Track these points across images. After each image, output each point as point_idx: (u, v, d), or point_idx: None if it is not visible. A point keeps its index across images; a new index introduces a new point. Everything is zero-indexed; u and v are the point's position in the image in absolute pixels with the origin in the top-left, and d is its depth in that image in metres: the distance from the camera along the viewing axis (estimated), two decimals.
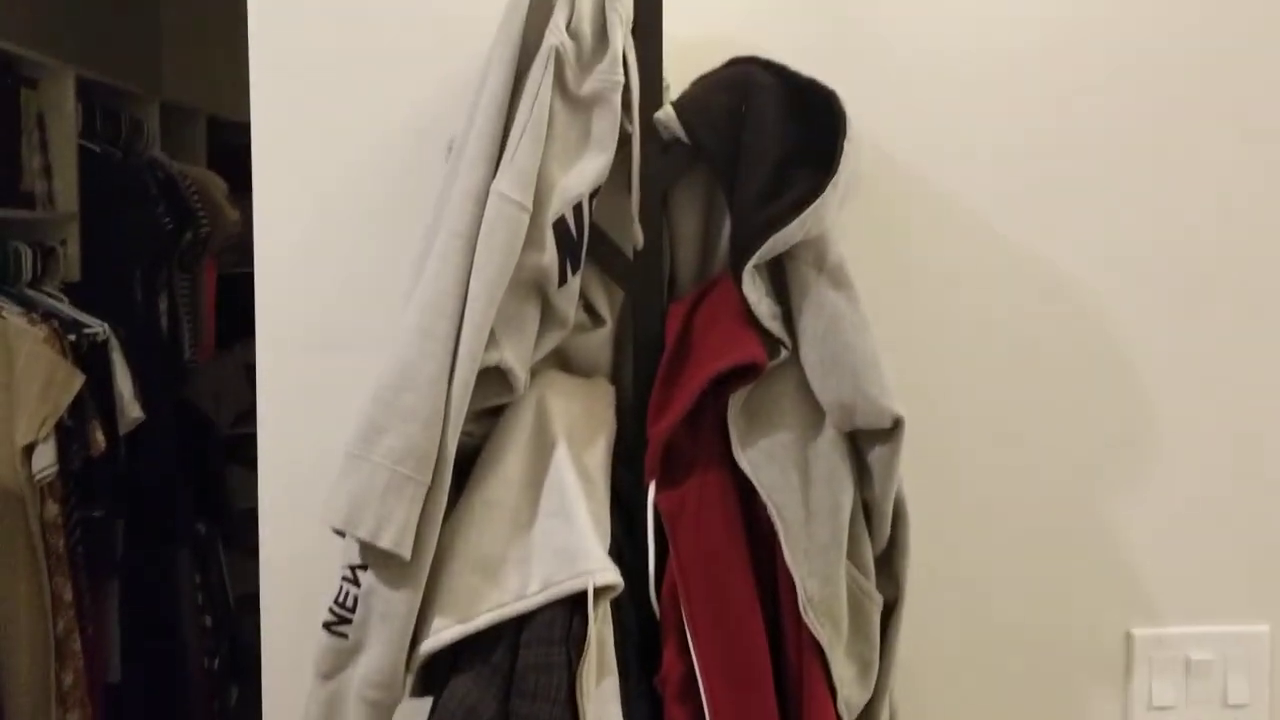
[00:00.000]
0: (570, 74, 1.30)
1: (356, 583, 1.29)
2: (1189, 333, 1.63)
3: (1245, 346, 1.64)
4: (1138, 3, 1.58)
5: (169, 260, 3.56)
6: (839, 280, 1.31)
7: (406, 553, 1.24)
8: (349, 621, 1.29)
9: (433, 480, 1.25)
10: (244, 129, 1.56)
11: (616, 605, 1.29)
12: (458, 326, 1.26)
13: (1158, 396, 1.63)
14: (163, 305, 3.56)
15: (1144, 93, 1.59)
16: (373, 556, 1.26)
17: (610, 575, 1.24)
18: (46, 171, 3.23)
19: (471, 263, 1.26)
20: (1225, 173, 1.61)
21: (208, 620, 3.68)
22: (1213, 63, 1.60)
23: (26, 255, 2.96)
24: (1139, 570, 1.65)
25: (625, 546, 1.35)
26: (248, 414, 4.03)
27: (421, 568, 1.26)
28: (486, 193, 1.26)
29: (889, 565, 1.41)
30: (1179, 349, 1.63)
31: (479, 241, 1.26)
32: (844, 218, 1.35)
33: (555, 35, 1.28)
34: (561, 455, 1.31)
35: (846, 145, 1.28)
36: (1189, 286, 1.62)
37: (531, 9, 1.30)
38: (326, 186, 1.54)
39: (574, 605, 1.24)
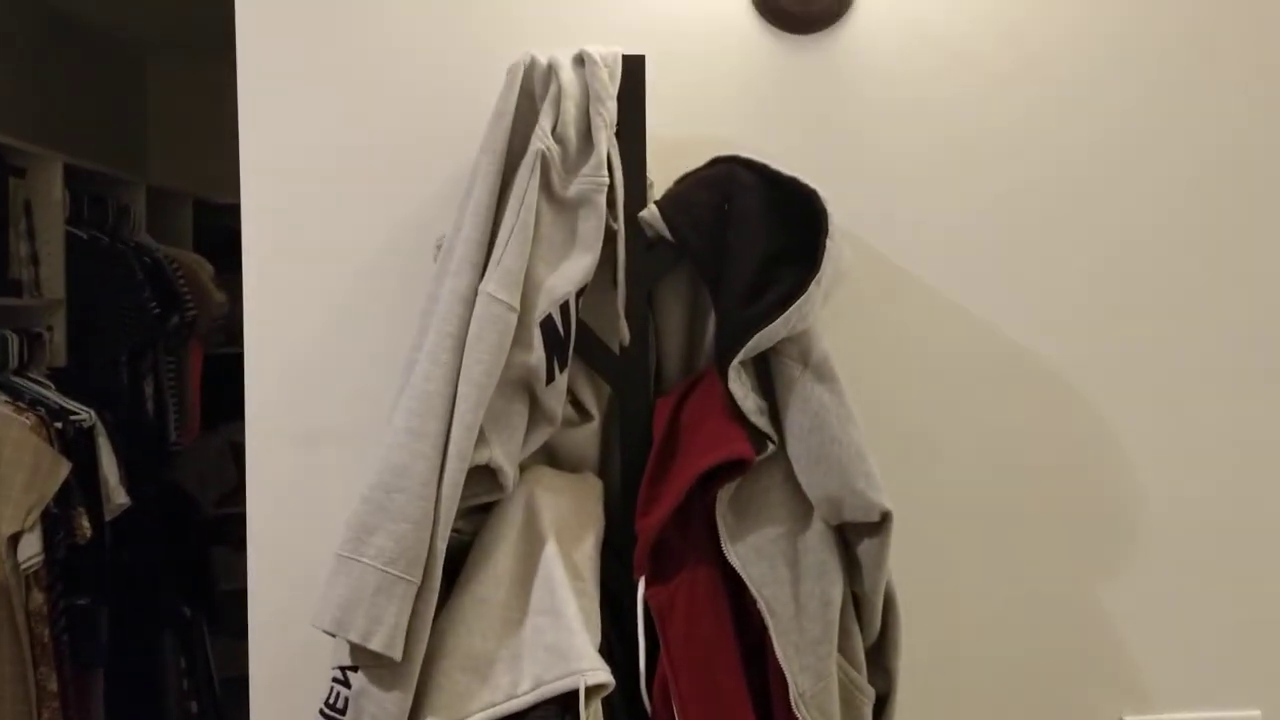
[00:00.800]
0: (556, 177, 1.33)
1: (347, 684, 1.29)
2: (1177, 421, 1.65)
3: (1234, 434, 1.66)
4: (1106, 84, 1.61)
5: (155, 344, 3.57)
6: (824, 375, 1.33)
7: (398, 655, 1.24)
8: None
9: (423, 579, 1.26)
10: (229, 211, 1.59)
11: (608, 701, 1.28)
12: (447, 426, 1.28)
13: (1147, 486, 1.65)
14: (149, 389, 3.56)
15: (1119, 177, 1.62)
16: (364, 658, 1.26)
17: (601, 675, 1.24)
18: (34, 259, 3.25)
19: (461, 362, 1.28)
20: (1216, 272, 1.64)
21: (194, 706, 3.64)
22: (1182, 145, 1.63)
23: (13, 342, 2.96)
24: (1131, 658, 1.65)
25: (616, 642, 1.35)
26: (232, 494, 4.02)
27: (412, 668, 1.26)
28: (475, 294, 1.29)
29: (880, 658, 1.42)
30: (1167, 438, 1.65)
31: (468, 342, 1.28)
32: (827, 313, 1.37)
33: (541, 140, 1.31)
34: (551, 552, 1.31)
35: (828, 243, 1.31)
36: (1175, 376, 1.64)
37: (518, 114, 1.33)
38: (316, 278, 1.56)
39: (565, 704, 1.24)
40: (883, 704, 1.41)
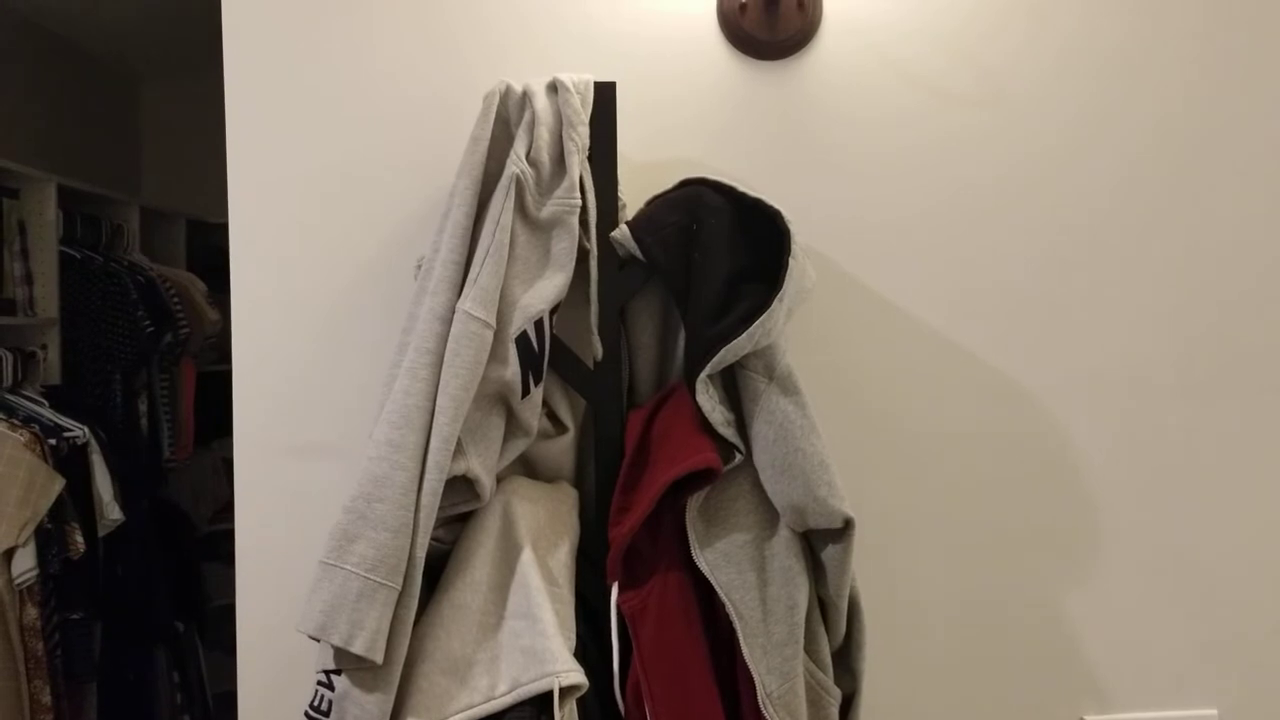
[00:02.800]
0: (530, 199, 1.39)
1: (331, 687, 1.34)
2: (1135, 428, 1.70)
3: (1192, 440, 1.71)
4: (1062, 101, 1.67)
5: (149, 362, 3.61)
6: (788, 387, 1.38)
7: (379, 658, 1.29)
8: None
9: (404, 586, 1.31)
10: (222, 230, 1.63)
11: (582, 703, 1.33)
12: (426, 438, 1.33)
13: (1105, 490, 1.70)
14: (142, 406, 3.60)
15: (1082, 190, 1.68)
16: (346, 661, 1.31)
17: (575, 676, 1.29)
18: (28, 278, 3.29)
19: (439, 378, 1.33)
20: (1171, 286, 1.69)
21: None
22: (1159, 183, 1.68)
23: (7, 360, 2.99)
24: (1090, 658, 1.70)
25: (590, 645, 1.40)
26: (225, 510, 4.05)
27: (393, 671, 1.31)
28: (452, 312, 1.34)
29: (846, 659, 1.46)
30: (1126, 443, 1.70)
31: (446, 358, 1.33)
32: (791, 328, 1.42)
33: (516, 164, 1.37)
34: (527, 559, 1.36)
35: (791, 262, 1.36)
36: (1134, 384, 1.69)
37: (494, 139, 1.39)
38: (302, 296, 1.60)
39: (541, 704, 1.29)
40: (848, 704, 1.46)
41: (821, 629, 1.44)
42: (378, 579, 1.29)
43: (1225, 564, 1.71)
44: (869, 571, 1.46)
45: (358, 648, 1.28)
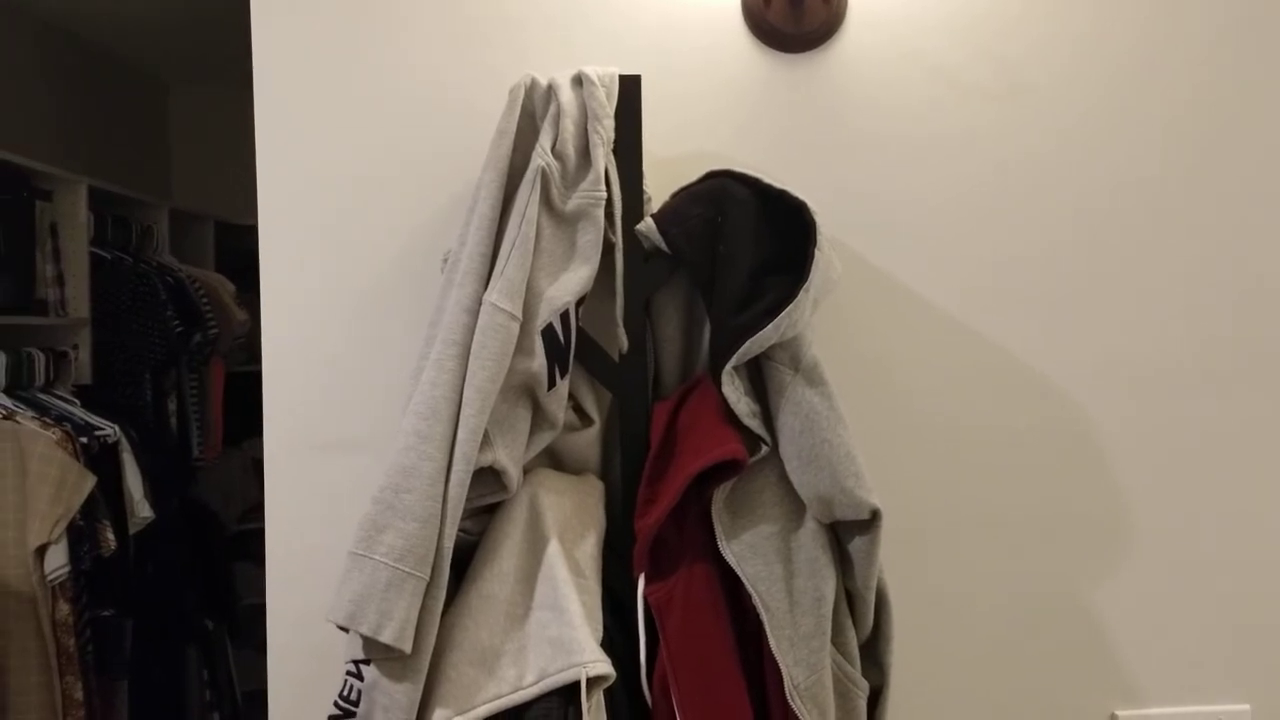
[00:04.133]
0: (556, 192, 1.39)
1: (360, 676, 1.35)
2: (1166, 419, 1.69)
3: (1223, 431, 1.69)
4: (1080, 95, 1.66)
5: (178, 362, 3.64)
6: (814, 379, 1.38)
7: (407, 647, 1.30)
8: (353, 715, 1.35)
9: (431, 576, 1.32)
10: (251, 232, 1.64)
11: (609, 694, 1.33)
12: (453, 430, 1.34)
13: (1136, 483, 1.69)
14: (172, 406, 3.63)
15: (1116, 204, 1.67)
16: (375, 651, 1.32)
17: (603, 666, 1.29)
18: (59, 279, 3.32)
19: (466, 369, 1.34)
20: (1195, 276, 1.68)
21: (216, 718, 3.69)
22: (1179, 172, 1.67)
23: (39, 360, 3.03)
24: (1122, 653, 1.70)
25: (617, 637, 1.40)
26: (255, 509, 4.07)
27: (422, 661, 1.32)
28: (479, 304, 1.35)
29: (873, 652, 1.46)
30: (1156, 434, 1.69)
31: (472, 350, 1.34)
32: (818, 319, 1.42)
33: (541, 157, 1.38)
34: (554, 550, 1.37)
35: (817, 253, 1.36)
36: (1163, 374, 1.68)
37: (519, 132, 1.40)
38: (331, 294, 1.62)
39: (569, 695, 1.29)
40: (876, 697, 1.46)
41: (849, 621, 1.44)
42: (406, 569, 1.30)
43: (1260, 557, 1.70)
44: (896, 563, 1.46)
45: (386, 637, 1.29)
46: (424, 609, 1.31)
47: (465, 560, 1.40)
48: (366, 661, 1.33)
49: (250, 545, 3.91)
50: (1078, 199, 1.66)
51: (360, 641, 1.33)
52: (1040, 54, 1.65)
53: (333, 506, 1.61)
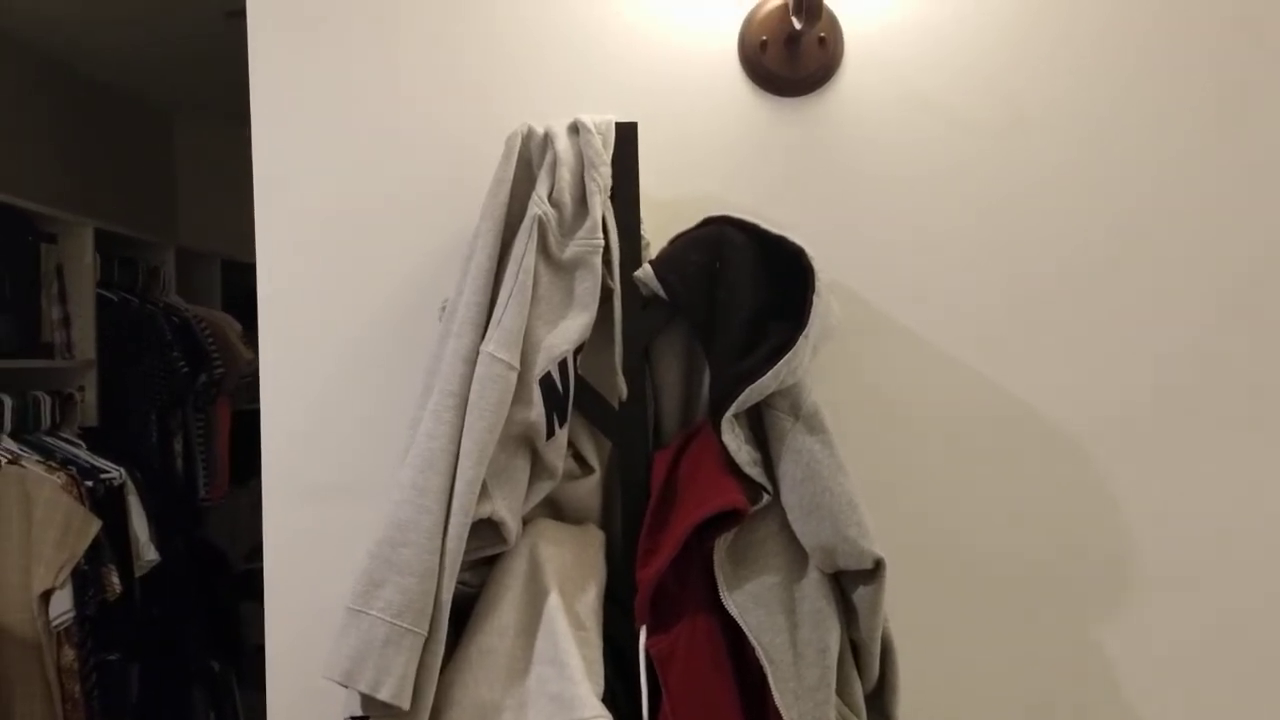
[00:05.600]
0: (553, 240, 1.38)
1: None
2: (1174, 470, 1.66)
3: (1231, 482, 1.66)
4: (1082, 126, 1.65)
5: (184, 402, 3.65)
6: (815, 426, 1.37)
7: (405, 704, 1.28)
8: None
9: (430, 631, 1.31)
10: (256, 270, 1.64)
11: None
12: (451, 481, 1.32)
13: (1144, 535, 1.66)
14: (178, 446, 3.63)
15: (1118, 238, 1.65)
16: (373, 708, 1.30)
17: None
18: (65, 322, 3.34)
19: (463, 420, 1.33)
20: (1199, 311, 1.66)
21: None
22: (1185, 214, 1.65)
23: (45, 403, 3.04)
24: (1131, 707, 1.66)
25: (619, 689, 1.38)
26: (260, 549, 4.06)
27: (421, 718, 1.30)
28: (476, 354, 1.34)
29: (879, 703, 1.44)
30: (1164, 486, 1.66)
31: (470, 400, 1.33)
32: (817, 366, 1.41)
33: (538, 206, 1.37)
34: (554, 603, 1.35)
35: (815, 299, 1.35)
36: (1171, 426, 1.65)
37: (516, 180, 1.39)
38: (329, 339, 1.61)
39: None
40: None
41: (854, 672, 1.41)
42: (404, 625, 1.28)
43: (1270, 609, 1.67)
44: (900, 614, 1.43)
45: (384, 694, 1.27)
46: (422, 664, 1.30)
47: (464, 613, 1.39)
48: (365, 718, 1.32)
49: (257, 585, 3.89)
50: (1079, 234, 1.65)
51: (359, 698, 1.31)
52: (1039, 89, 1.64)
53: (332, 549, 1.60)
